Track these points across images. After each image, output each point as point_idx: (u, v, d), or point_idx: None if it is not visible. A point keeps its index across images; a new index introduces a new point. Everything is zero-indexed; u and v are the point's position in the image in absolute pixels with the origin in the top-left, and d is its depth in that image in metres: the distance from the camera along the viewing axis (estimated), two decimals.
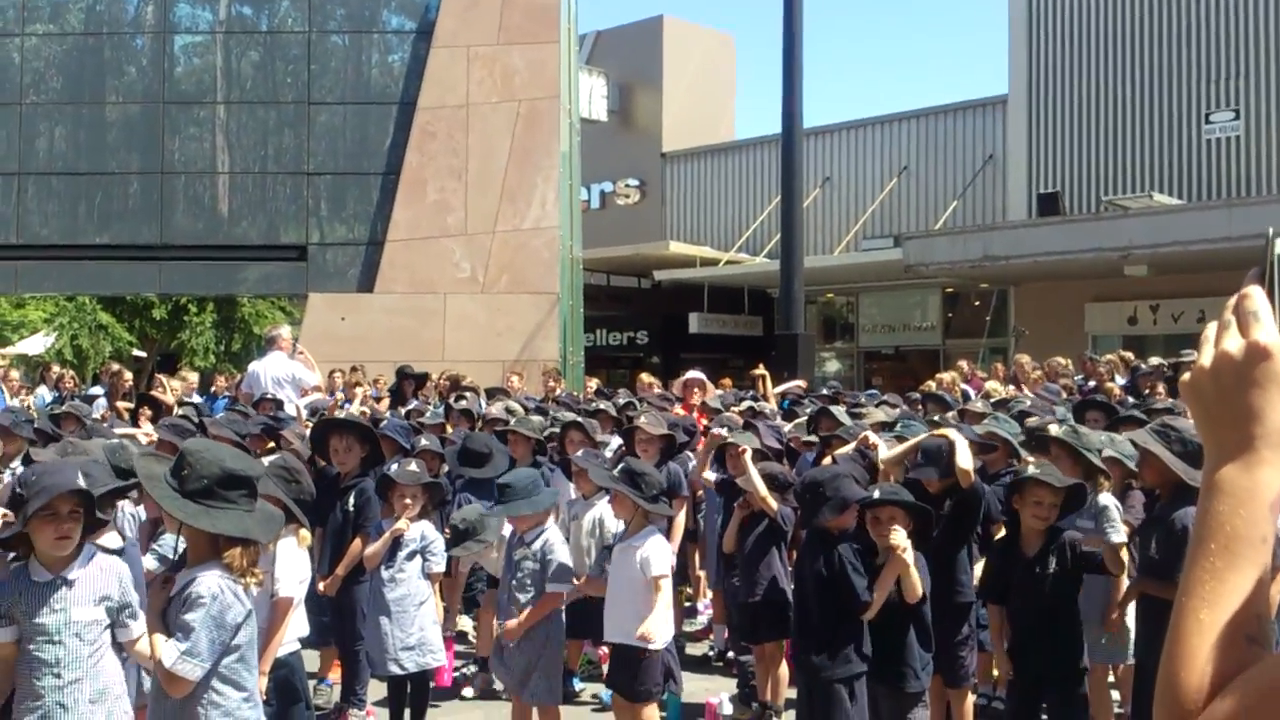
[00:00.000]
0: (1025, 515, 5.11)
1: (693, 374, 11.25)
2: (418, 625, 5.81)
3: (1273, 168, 19.62)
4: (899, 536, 4.85)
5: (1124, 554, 5.75)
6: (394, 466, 6.17)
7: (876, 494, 5.11)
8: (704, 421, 8.99)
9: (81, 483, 3.70)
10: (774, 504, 6.12)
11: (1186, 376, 1.15)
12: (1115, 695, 6.46)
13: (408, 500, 5.90)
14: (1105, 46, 21.33)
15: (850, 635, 4.94)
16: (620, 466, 5.57)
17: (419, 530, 5.95)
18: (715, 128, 28.80)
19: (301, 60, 16.53)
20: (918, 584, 4.90)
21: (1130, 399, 10.53)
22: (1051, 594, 5.01)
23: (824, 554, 4.93)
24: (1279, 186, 19.31)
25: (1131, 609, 5.82)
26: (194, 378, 14.91)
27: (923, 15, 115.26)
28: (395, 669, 5.80)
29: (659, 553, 5.30)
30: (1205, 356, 1.13)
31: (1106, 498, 5.81)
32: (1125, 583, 5.57)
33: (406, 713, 6.04)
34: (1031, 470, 5.34)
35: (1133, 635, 5.80)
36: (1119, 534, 5.76)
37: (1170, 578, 4.77)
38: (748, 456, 6.15)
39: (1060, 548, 4.97)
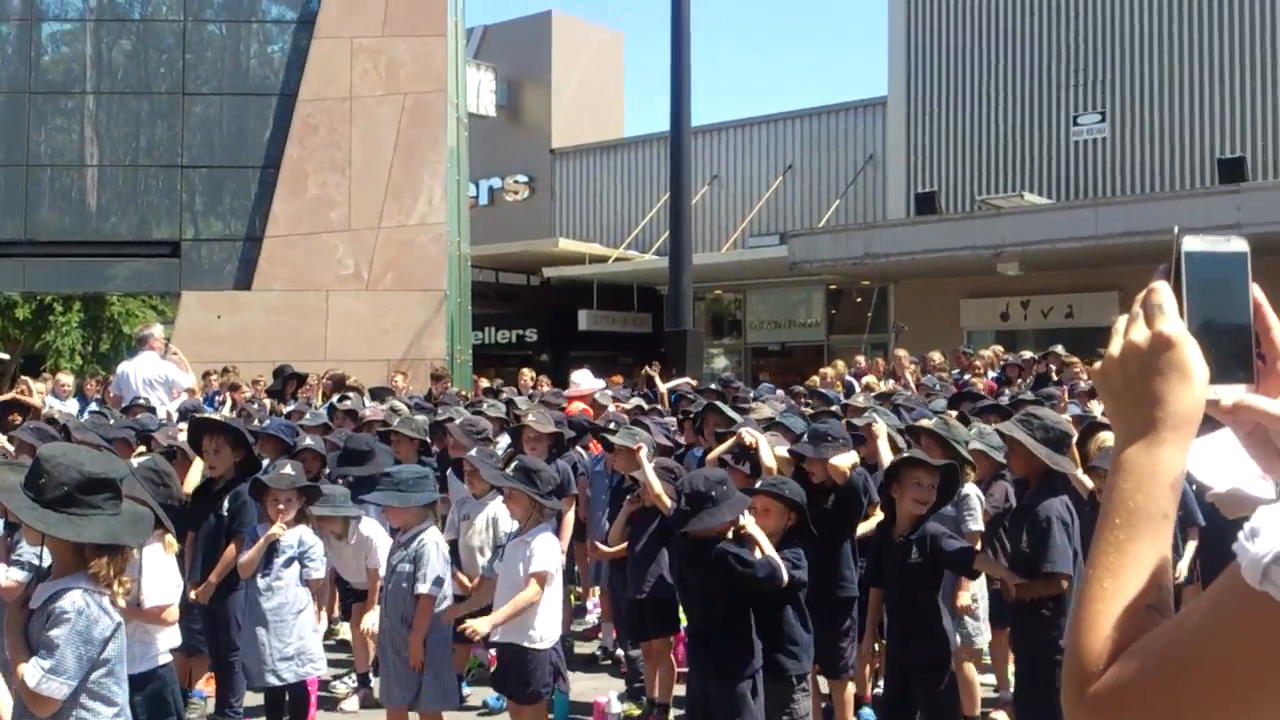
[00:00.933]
0: (905, 500, 5.19)
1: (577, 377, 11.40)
2: (296, 634, 5.67)
3: (1137, 169, 20.39)
4: (747, 524, 4.96)
5: (977, 543, 5.97)
6: (268, 470, 6.02)
7: (757, 484, 5.20)
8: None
9: None
10: (668, 501, 6.12)
11: (1097, 365, 1.21)
12: (988, 678, 6.65)
13: (282, 505, 5.74)
14: (979, 51, 21.90)
15: (745, 633, 4.96)
16: (514, 464, 5.54)
17: (296, 535, 5.79)
18: (604, 125, 28.79)
19: (176, 50, 16.04)
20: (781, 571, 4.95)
21: (1007, 391, 10.87)
22: (915, 582, 5.11)
23: (707, 556, 4.93)
24: (1143, 187, 20.07)
25: (983, 594, 6.05)
26: (69, 381, 14.36)
27: (808, 16, 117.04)
28: (274, 680, 5.65)
29: (545, 549, 5.28)
30: (1114, 346, 1.18)
31: (969, 487, 6.04)
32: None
33: None
34: (908, 451, 5.46)
35: (984, 618, 6.06)
36: (977, 522, 5.99)
37: (1036, 570, 4.93)
38: (644, 454, 6.15)
39: (922, 539, 5.08)
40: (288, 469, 5.88)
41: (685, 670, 5.51)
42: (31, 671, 3.28)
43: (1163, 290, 1.16)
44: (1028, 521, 5.05)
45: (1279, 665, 0.96)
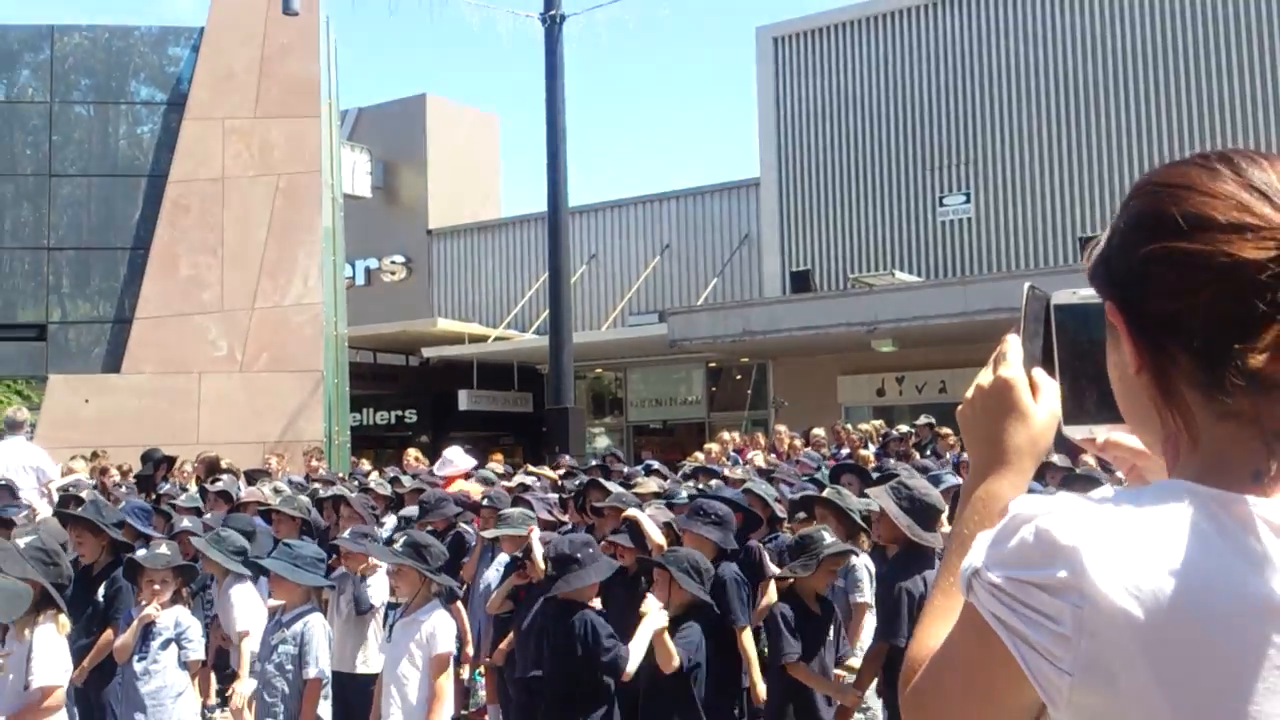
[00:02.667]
0: (820, 576, 5.23)
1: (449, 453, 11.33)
2: (175, 718, 5.48)
3: (1002, 247, 21.28)
4: (648, 604, 4.93)
5: (864, 615, 6.08)
6: (141, 551, 5.84)
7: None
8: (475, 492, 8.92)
9: None
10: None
11: (960, 408, 1.32)
12: None
13: (157, 586, 5.58)
14: (848, 133, 22.73)
15: (593, 701, 4.92)
16: (404, 540, 5.46)
17: (172, 617, 5.61)
18: (481, 205, 28.93)
19: (43, 130, 15.68)
20: (673, 655, 4.91)
21: (889, 462, 11.12)
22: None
23: (569, 621, 4.91)
24: (1009, 264, 20.94)
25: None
26: None
27: (682, 99, 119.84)
28: None
29: (444, 628, 5.19)
30: (969, 391, 1.31)
31: (860, 559, 6.16)
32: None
33: None
34: (830, 540, 5.41)
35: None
36: (864, 595, 6.10)
37: (888, 638, 4.94)
38: (534, 534, 6.14)
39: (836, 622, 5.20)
40: (163, 548, 5.72)
41: None
42: None
43: (1010, 341, 1.30)
44: (881, 592, 5.16)
45: (993, 662, 1.08)
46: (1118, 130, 20.33)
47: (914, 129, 22.04)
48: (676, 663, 4.96)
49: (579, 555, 4.97)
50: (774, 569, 6.24)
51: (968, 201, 21.57)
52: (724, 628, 5.59)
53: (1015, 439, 1.26)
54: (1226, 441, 1.08)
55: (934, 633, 1.21)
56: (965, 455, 10.09)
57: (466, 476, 10.49)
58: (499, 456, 15.42)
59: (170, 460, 11.93)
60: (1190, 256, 1.06)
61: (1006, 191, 21.20)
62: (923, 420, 13.47)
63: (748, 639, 5.74)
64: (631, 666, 4.87)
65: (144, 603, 5.60)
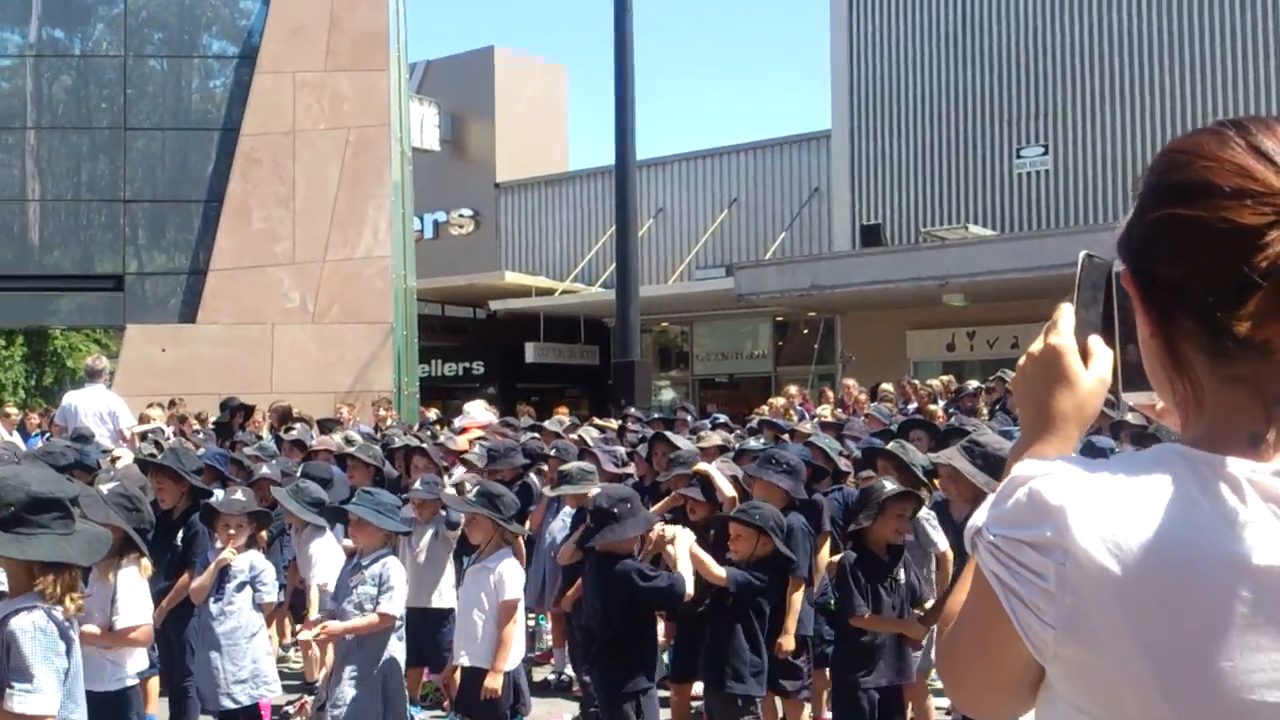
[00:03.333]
0: (888, 523, 5.21)
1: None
2: (250, 658, 5.64)
3: (1079, 200, 20.84)
4: (668, 529, 5.03)
5: (949, 563, 6.04)
6: (218, 496, 5.99)
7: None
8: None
9: None
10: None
11: (1014, 374, 1.37)
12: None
13: (232, 530, 5.73)
14: (922, 83, 22.32)
15: (636, 652, 5.00)
16: (477, 489, 5.54)
17: (247, 560, 5.77)
18: (549, 158, 28.92)
19: (117, 85, 15.91)
20: (712, 568, 5.04)
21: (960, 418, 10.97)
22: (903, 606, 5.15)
23: (611, 572, 4.98)
24: (1086, 218, 20.50)
25: None
26: (15, 414, 14.15)
27: (754, 51, 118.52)
28: (228, 703, 5.60)
29: (512, 575, 5.28)
30: (1022, 359, 1.34)
31: (923, 512, 6.13)
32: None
33: None
34: (890, 486, 5.41)
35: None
36: (944, 543, 6.06)
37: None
38: (704, 466, 6.24)
39: (906, 564, 5.17)
40: (239, 495, 5.85)
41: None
42: (18, 699, 3.23)
43: (1063, 310, 1.31)
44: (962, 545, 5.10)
45: (993, 618, 1.15)
46: (1202, 81, 19.73)
47: (991, 80, 21.58)
48: (721, 573, 5.04)
49: (616, 510, 5.01)
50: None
51: (1045, 154, 21.12)
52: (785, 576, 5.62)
53: (1061, 405, 1.28)
54: (1228, 406, 1.11)
55: (964, 589, 1.27)
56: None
57: (484, 427, 10.59)
58: (564, 409, 15.50)
59: (248, 409, 12.16)
60: (1192, 223, 1.09)
61: (1086, 144, 20.72)
62: (997, 376, 13.26)
63: (799, 591, 5.75)
64: (689, 588, 4.91)
65: (220, 546, 5.75)
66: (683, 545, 4.96)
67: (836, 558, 5.94)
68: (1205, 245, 1.08)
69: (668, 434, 8.22)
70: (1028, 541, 1.11)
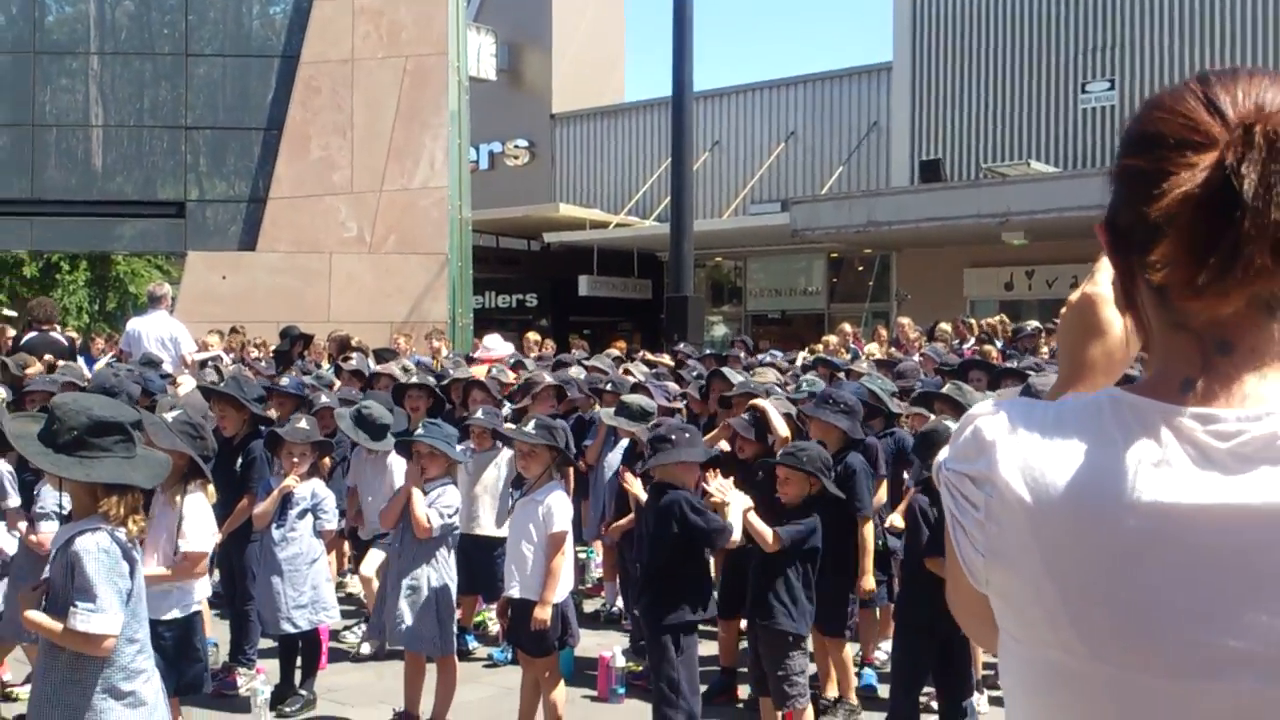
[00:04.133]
0: None
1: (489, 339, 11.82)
2: (310, 583, 5.80)
3: None
4: (716, 485, 5.01)
5: None
6: (286, 425, 6.11)
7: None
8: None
9: None
10: None
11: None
12: None
13: (296, 458, 5.85)
14: (986, 17, 21.81)
15: (682, 585, 5.02)
16: (535, 421, 5.59)
17: (309, 488, 5.91)
18: (605, 89, 28.68)
19: (179, 11, 15.99)
20: (765, 535, 5.05)
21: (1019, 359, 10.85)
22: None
23: (662, 503, 5.02)
24: None
25: None
26: (74, 337, 14.47)
27: None
28: (289, 627, 5.76)
29: (561, 508, 5.33)
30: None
31: None
32: None
33: (297, 671, 6.00)
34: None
35: None
36: None
37: None
38: (760, 402, 6.26)
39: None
40: (303, 423, 5.97)
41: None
42: (81, 617, 3.33)
43: (1102, 259, 1.32)
44: None
45: (951, 548, 1.22)
46: (1275, 14, 19.09)
47: (1056, 12, 21.02)
48: (772, 539, 5.06)
49: (673, 437, 5.05)
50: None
51: (1111, 89, 20.61)
52: (847, 515, 5.62)
53: (1091, 353, 1.32)
54: (1171, 351, 1.15)
55: None
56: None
57: (503, 362, 10.67)
58: (621, 343, 15.54)
59: (307, 337, 12.32)
60: (1139, 173, 1.12)
61: (1153, 78, 20.15)
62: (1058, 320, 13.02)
63: (868, 530, 5.78)
64: (736, 535, 4.96)
65: (283, 473, 5.87)
66: (736, 511, 4.96)
67: (879, 498, 5.99)
68: (1146, 195, 1.10)
69: (725, 370, 8.21)
70: (969, 474, 1.19)
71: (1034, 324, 13.38)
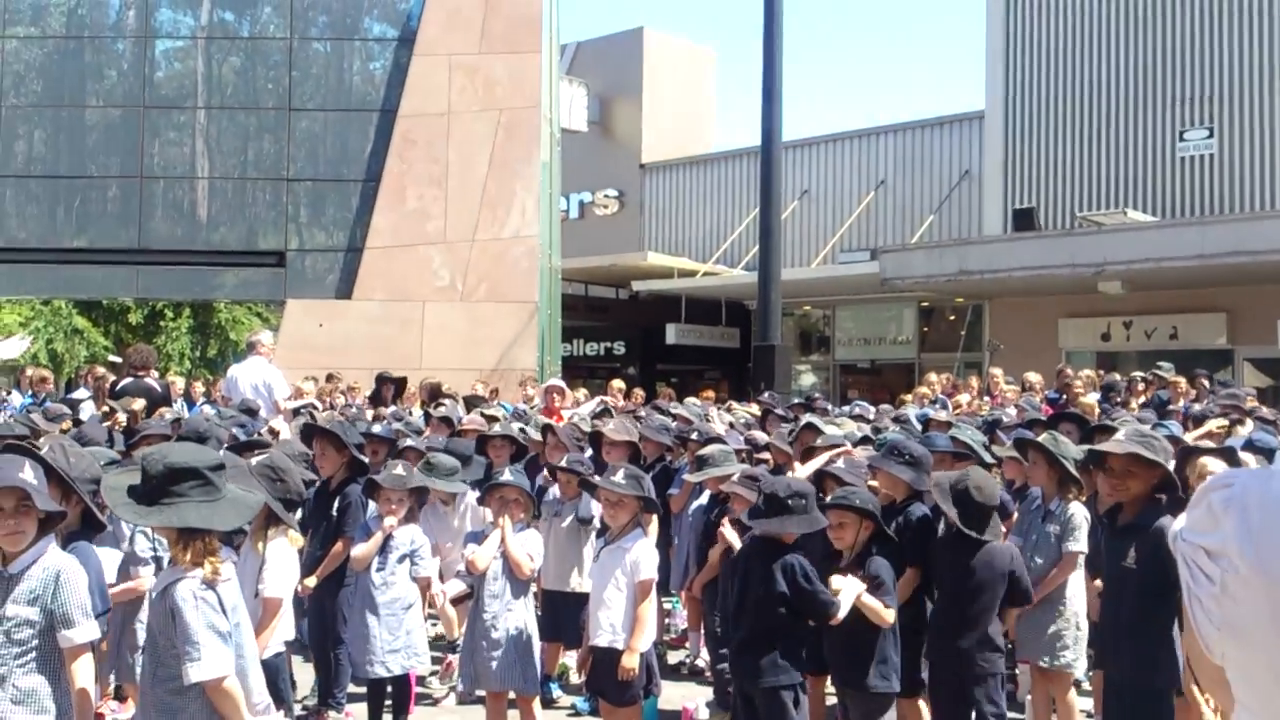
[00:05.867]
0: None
1: (553, 381, 11.82)
2: (405, 628, 5.87)
3: (1245, 186, 19.88)
4: (837, 584, 4.93)
5: (1076, 563, 5.88)
6: (383, 472, 6.24)
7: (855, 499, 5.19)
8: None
9: (19, 479, 3.63)
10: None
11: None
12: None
13: (394, 504, 5.96)
14: (1081, 64, 21.57)
15: (795, 643, 4.98)
16: (624, 471, 5.62)
17: (408, 534, 6.01)
18: (694, 139, 28.93)
19: (283, 66, 16.54)
20: (881, 611, 4.98)
21: (1115, 412, 10.66)
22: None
23: (772, 563, 4.95)
24: (1253, 204, 19.55)
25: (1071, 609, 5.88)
26: (180, 383, 14.96)
27: (901, 30, 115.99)
28: (381, 670, 5.83)
29: (648, 556, 5.35)
30: None
31: (1075, 507, 5.98)
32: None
33: (386, 716, 6.06)
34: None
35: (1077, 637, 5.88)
36: (1079, 544, 5.89)
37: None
38: (735, 479, 6.23)
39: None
40: (399, 469, 6.08)
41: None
42: (194, 670, 3.43)
43: None
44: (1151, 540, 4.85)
45: (1188, 618, 1.24)
46: None
47: (1153, 59, 20.71)
48: (890, 619, 4.98)
49: (790, 502, 4.99)
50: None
51: (1210, 137, 20.19)
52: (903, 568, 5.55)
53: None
54: None
55: None
56: (1196, 406, 9.65)
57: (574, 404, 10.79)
58: (710, 393, 15.54)
59: (399, 381, 12.52)
60: None
61: (1253, 126, 19.72)
62: (1160, 369, 12.72)
63: (906, 581, 5.66)
64: (842, 613, 4.90)
65: (380, 517, 5.98)
66: (849, 595, 4.92)
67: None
68: None
69: (816, 421, 8.16)
70: (1205, 547, 1.19)
71: (1116, 376, 13.11)
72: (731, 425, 9.24)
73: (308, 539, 6.27)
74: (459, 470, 6.66)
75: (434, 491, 6.79)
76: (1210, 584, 1.18)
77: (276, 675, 4.83)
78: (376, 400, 12.05)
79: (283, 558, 4.84)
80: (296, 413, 10.03)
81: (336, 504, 6.40)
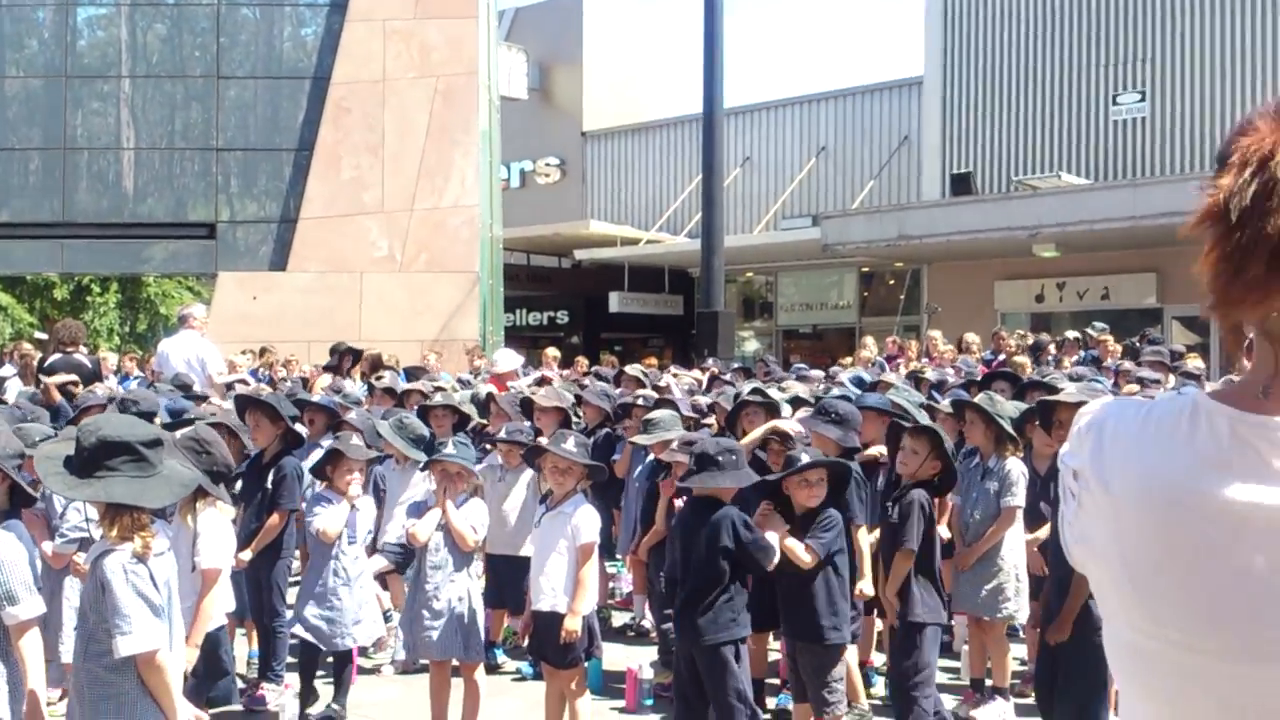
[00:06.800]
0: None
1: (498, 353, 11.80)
2: (365, 600, 5.88)
3: (1177, 148, 20.15)
4: (763, 518, 5.03)
5: (1014, 519, 5.98)
6: (353, 439, 6.14)
7: (804, 458, 5.20)
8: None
9: None
10: None
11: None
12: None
13: (356, 475, 5.87)
14: (1017, 29, 21.70)
15: (735, 599, 5.01)
16: (574, 438, 5.60)
17: (370, 506, 5.99)
18: (636, 107, 28.75)
19: (210, 33, 16.16)
20: (800, 553, 5.05)
21: (1048, 370, 10.78)
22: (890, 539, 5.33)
23: (711, 516, 4.99)
24: (1184, 166, 19.83)
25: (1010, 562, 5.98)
26: (112, 359, 14.63)
27: None
28: (348, 642, 5.83)
29: (589, 520, 5.33)
30: None
31: (1012, 462, 6.04)
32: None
33: (327, 686, 5.99)
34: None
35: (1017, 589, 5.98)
36: (1017, 498, 5.97)
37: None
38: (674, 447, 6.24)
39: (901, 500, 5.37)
40: (355, 440, 5.96)
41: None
42: (124, 644, 3.36)
43: None
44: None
45: None
46: None
47: (1087, 24, 20.89)
48: (809, 559, 5.05)
49: (720, 458, 5.01)
50: None
51: (1142, 100, 20.43)
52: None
53: None
54: (1259, 357, 1.21)
55: None
56: (1125, 363, 9.84)
57: (509, 378, 10.71)
58: (652, 359, 15.53)
59: (356, 353, 12.30)
60: (1216, 189, 1.19)
61: (1185, 89, 19.97)
62: (1092, 329, 12.90)
63: (863, 536, 5.74)
64: (775, 559, 4.98)
65: (338, 490, 5.85)
66: (773, 538, 5.00)
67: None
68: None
69: (759, 386, 8.15)
70: (1071, 467, 1.30)
71: (1045, 337, 13.31)
72: (689, 391, 9.23)
73: (241, 512, 6.15)
74: (425, 439, 6.59)
75: (397, 452, 6.76)
76: (1073, 500, 1.29)
77: (218, 646, 4.74)
78: (336, 372, 11.85)
79: (216, 528, 4.74)
80: (230, 387, 9.84)
81: (271, 476, 6.28)
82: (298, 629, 5.77)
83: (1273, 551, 1.13)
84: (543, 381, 10.15)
